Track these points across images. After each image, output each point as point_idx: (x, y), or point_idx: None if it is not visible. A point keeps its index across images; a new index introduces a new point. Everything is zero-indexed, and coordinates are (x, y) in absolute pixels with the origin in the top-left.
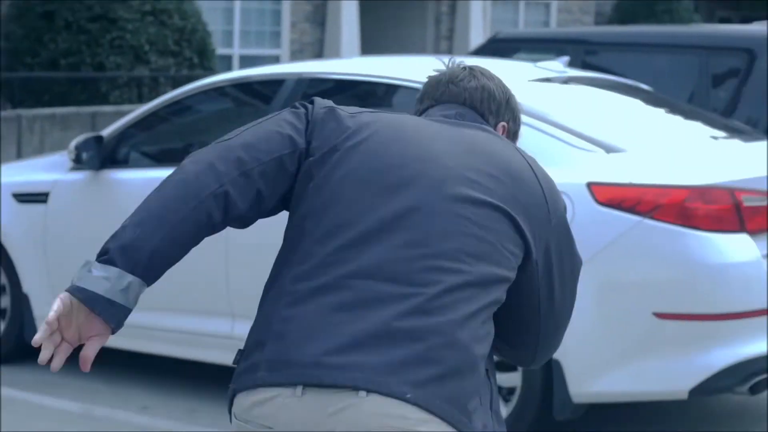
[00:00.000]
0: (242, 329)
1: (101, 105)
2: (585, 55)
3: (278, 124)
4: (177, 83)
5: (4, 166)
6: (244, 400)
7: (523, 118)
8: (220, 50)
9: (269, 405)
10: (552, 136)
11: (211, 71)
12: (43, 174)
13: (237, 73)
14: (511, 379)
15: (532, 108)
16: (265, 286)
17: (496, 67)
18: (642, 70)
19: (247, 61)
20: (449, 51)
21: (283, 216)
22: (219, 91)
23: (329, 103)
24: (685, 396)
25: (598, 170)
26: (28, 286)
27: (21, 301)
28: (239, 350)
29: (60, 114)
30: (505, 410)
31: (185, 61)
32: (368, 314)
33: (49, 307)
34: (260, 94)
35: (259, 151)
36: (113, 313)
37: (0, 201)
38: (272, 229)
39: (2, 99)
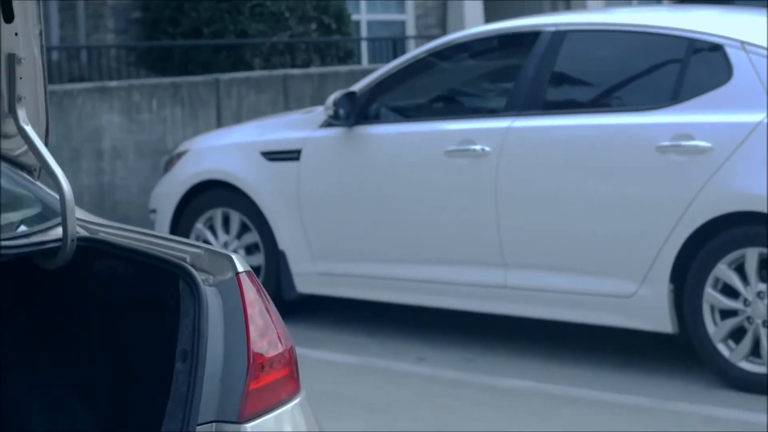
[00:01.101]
0: (515, 279)
1: (290, 69)
2: None
3: None
4: (317, 49)
5: (243, 127)
6: None
7: None
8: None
9: None
10: None
11: (349, 36)
12: (292, 132)
13: (488, 27)
14: None
15: None
16: None
17: None
18: None
19: (374, 26)
20: None
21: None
22: (468, 45)
23: None
24: None
25: None
26: (283, 243)
27: (277, 259)
28: None
29: (254, 77)
30: None
31: (323, 27)
32: None
33: (306, 263)
34: (513, 48)
35: None
36: None
37: (237, 159)
38: (544, 178)
39: (144, 69)
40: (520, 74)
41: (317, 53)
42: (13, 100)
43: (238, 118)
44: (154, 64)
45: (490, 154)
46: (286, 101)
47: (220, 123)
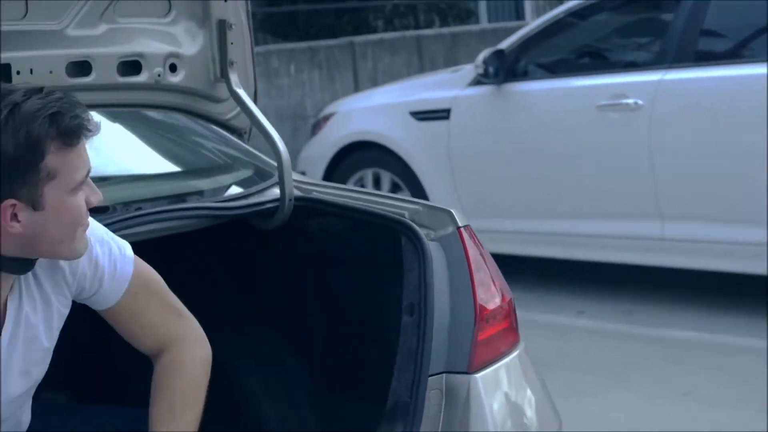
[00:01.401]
0: (672, 231)
1: (423, 29)
2: None
3: None
4: (438, 10)
5: (388, 88)
6: None
7: None
8: None
9: None
10: None
11: None
12: (440, 91)
13: None
14: None
15: None
16: None
17: None
18: None
19: None
20: None
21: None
22: (612, 1)
23: None
24: None
25: None
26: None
27: None
28: None
29: (387, 39)
30: None
31: None
32: None
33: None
34: (661, 4)
35: None
36: None
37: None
38: (698, 129)
39: (269, 35)
40: (670, 27)
41: (438, 14)
42: (225, 65)
43: (374, 81)
44: (276, 30)
45: (643, 107)
46: (421, 62)
47: (357, 86)
